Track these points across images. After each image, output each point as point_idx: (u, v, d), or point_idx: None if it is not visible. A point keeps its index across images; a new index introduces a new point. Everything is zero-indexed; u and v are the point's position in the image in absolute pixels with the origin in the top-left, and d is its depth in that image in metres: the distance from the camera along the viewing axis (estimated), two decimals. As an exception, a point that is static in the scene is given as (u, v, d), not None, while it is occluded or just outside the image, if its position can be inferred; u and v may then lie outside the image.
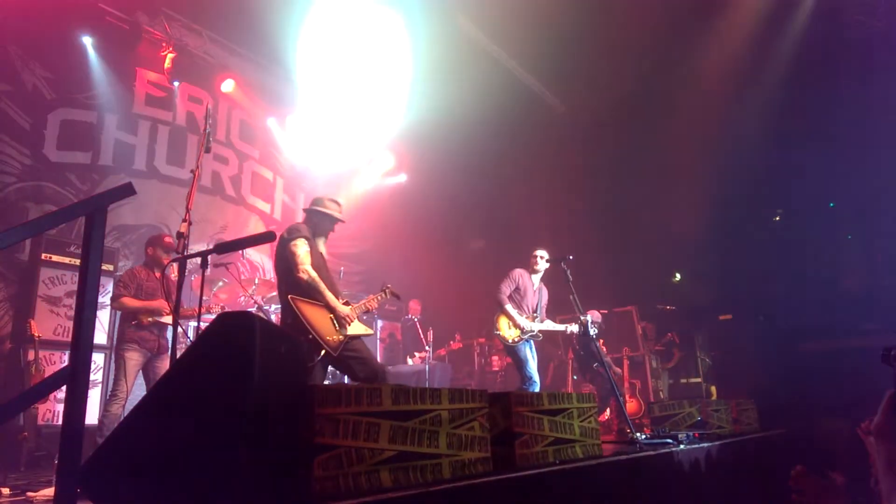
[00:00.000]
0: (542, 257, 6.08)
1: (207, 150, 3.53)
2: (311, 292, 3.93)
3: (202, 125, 3.62)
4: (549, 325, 5.98)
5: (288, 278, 3.99)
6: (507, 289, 5.90)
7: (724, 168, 8.19)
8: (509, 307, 5.82)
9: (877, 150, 7.19)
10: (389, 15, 7.72)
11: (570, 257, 5.43)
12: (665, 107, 8.59)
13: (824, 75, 7.50)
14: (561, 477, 2.86)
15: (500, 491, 2.50)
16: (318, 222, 4.27)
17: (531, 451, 2.97)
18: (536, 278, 6.10)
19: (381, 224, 10.66)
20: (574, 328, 5.97)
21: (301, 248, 3.97)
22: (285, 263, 4.00)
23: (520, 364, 5.83)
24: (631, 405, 7.29)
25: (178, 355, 2.79)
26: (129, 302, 4.69)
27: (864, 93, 7.22)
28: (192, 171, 3.39)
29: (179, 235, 3.18)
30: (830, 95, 7.42)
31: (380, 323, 9.28)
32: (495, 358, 9.44)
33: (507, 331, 5.82)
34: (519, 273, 6.04)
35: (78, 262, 2.05)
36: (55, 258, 5.79)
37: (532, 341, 5.93)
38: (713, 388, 7.88)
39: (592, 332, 5.78)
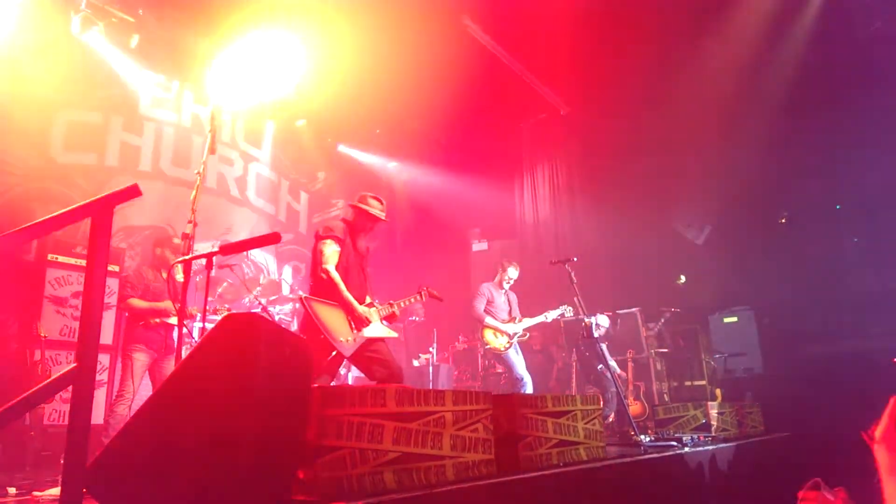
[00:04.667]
0: (513, 279, 6.44)
1: (212, 152, 3.54)
2: (330, 291, 3.96)
3: (207, 126, 3.63)
4: (529, 322, 6.33)
5: (313, 277, 4.10)
6: (480, 305, 6.25)
7: (730, 169, 8.17)
8: (489, 319, 6.18)
9: (883, 151, 7.15)
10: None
11: (575, 259, 5.48)
12: (669, 107, 8.57)
13: (830, 75, 7.47)
14: (565, 479, 2.86)
15: (504, 493, 2.49)
16: (358, 220, 4.31)
17: (535, 453, 2.97)
18: (505, 287, 6.47)
19: (385, 225, 10.67)
20: (555, 314, 6.39)
21: (328, 248, 4.04)
22: (314, 261, 4.10)
23: (510, 368, 6.12)
24: (635, 407, 7.27)
25: (184, 356, 2.79)
26: (137, 303, 4.71)
27: (871, 94, 7.20)
28: (197, 173, 3.40)
29: (185, 237, 3.19)
30: (837, 96, 7.39)
31: (383, 324, 9.27)
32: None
33: (495, 340, 6.13)
34: (486, 287, 6.41)
35: (84, 262, 2.06)
36: (61, 259, 5.82)
37: (517, 343, 6.25)
38: (718, 391, 7.85)
39: (597, 333, 5.85)
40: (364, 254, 4.34)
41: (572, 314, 6.51)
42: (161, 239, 5.09)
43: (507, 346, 6.10)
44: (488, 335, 6.15)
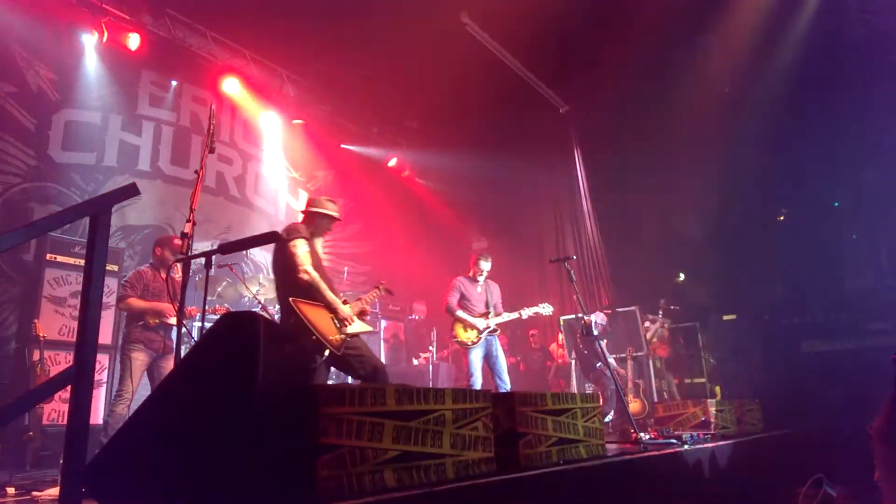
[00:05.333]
0: (487, 270, 6.23)
1: (211, 151, 3.53)
2: (311, 293, 3.95)
3: (206, 126, 3.63)
4: (503, 318, 6.15)
5: (287, 279, 4.01)
6: (453, 299, 6.15)
7: (728, 167, 8.17)
8: (461, 313, 6.07)
9: (881, 148, 7.16)
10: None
11: (574, 257, 5.47)
12: (668, 105, 8.57)
13: (828, 74, 7.47)
14: (565, 477, 2.86)
15: (504, 491, 2.49)
16: (317, 223, 4.32)
17: (535, 451, 2.97)
18: (479, 279, 6.27)
19: (384, 224, 10.68)
20: (529, 312, 6.20)
21: (301, 249, 3.99)
22: (284, 264, 4.02)
23: (467, 364, 6.02)
24: (635, 405, 7.28)
25: (183, 355, 2.79)
26: (135, 303, 4.70)
27: (869, 91, 7.20)
28: (195, 172, 3.39)
29: (184, 236, 3.17)
30: (834, 94, 7.39)
31: (383, 323, 9.28)
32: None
33: (463, 334, 6.04)
34: (459, 281, 6.26)
35: (83, 262, 2.06)
36: (60, 258, 5.81)
37: (494, 339, 6.09)
38: (717, 389, 7.86)
39: (596, 331, 5.83)
40: (321, 256, 4.43)
41: (551, 312, 6.33)
42: (162, 239, 5.08)
43: (475, 341, 5.98)
44: (458, 328, 6.06)
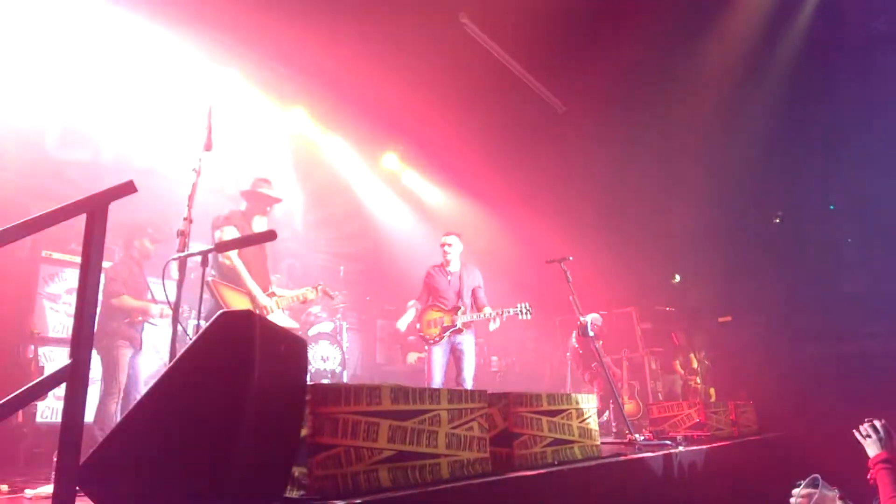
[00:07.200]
0: (447, 245, 5.62)
1: (208, 148, 3.53)
2: (232, 277, 4.10)
3: (204, 124, 3.62)
4: (469, 317, 5.49)
5: (213, 262, 4.18)
6: (424, 296, 5.71)
7: (725, 169, 8.20)
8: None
9: (878, 151, 7.19)
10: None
11: (570, 258, 5.42)
12: (666, 107, 8.58)
13: (826, 76, 7.51)
14: (559, 478, 2.86)
15: (499, 491, 2.50)
16: (253, 205, 4.53)
17: (530, 451, 2.97)
18: (453, 266, 5.67)
19: (381, 223, 10.69)
20: (498, 321, 5.42)
21: (227, 234, 4.15)
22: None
23: (429, 365, 5.49)
24: (630, 406, 7.29)
25: (178, 354, 2.78)
26: (130, 301, 4.69)
27: (866, 94, 7.23)
28: (193, 170, 3.39)
29: (180, 234, 3.18)
30: (832, 96, 7.42)
31: (379, 322, 9.28)
32: (495, 358, 9.44)
33: (426, 330, 5.55)
34: (427, 274, 5.78)
35: (78, 259, 2.06)
36: (55, 255, 5.79)
37: (463, 337, 5.53)
38: (712, 390, 7.88)
39: (591, 332, 5.80)
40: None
41: (529, 316, 5.50)
42: (135, 230, 5.02)
43: (437, 339, 5.42)
44: (423, 323, 5.57)
